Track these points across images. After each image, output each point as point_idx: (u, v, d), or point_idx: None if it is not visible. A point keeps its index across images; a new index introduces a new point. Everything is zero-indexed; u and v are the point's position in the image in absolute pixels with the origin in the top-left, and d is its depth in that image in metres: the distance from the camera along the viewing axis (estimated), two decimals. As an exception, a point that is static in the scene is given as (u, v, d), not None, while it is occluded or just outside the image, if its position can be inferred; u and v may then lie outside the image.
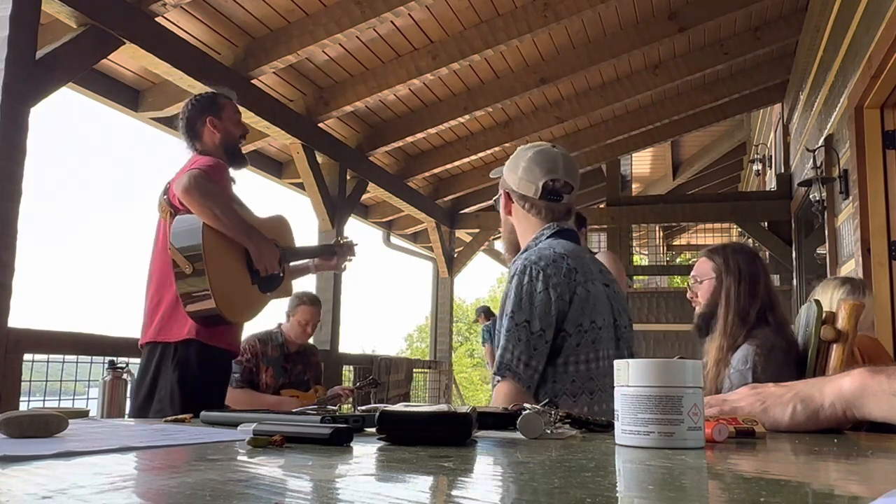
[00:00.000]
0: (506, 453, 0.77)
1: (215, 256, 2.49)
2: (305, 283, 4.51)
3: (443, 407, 0.87)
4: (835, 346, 1.95)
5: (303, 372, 4.10)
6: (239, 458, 0.70)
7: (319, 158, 5.37)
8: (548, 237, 1.79)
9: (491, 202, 2.15)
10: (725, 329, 2.14)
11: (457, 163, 6.71)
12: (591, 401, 1.67)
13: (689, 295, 2.34)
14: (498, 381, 1.67)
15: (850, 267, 4.17)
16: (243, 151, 2.81)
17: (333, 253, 3.10)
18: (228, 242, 2.54)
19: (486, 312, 9.99)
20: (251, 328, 3.44)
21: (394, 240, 8.34)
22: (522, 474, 0.61)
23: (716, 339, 2.16)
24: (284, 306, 4.13)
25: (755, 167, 9.52)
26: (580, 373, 1.67)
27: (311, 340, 4.36)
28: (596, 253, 3.67)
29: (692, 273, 2.33)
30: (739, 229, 8.46)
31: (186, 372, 2.51)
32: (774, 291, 2.24)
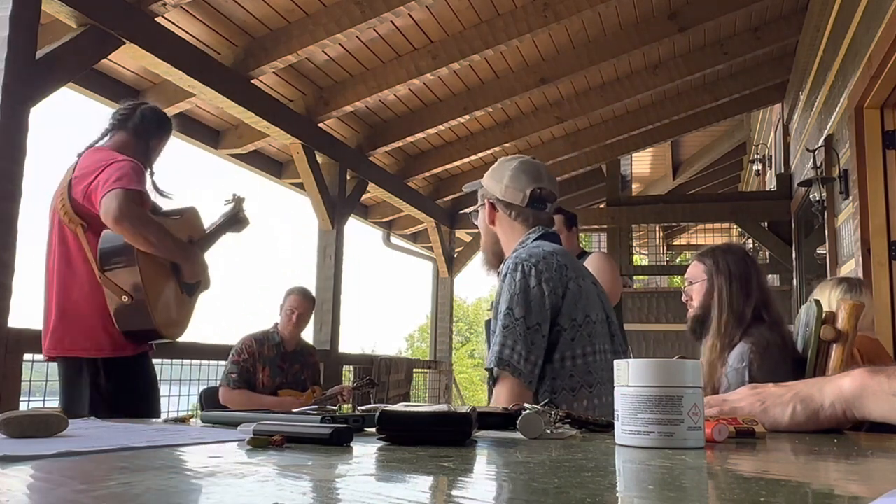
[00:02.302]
0: (506, 453, 0.77)
1: (153, 284, 2.41)
2: (306, 282, 4.53)
3: (443, 407, 0.87)
4: (835, 346, 1.95)
5: (300, 372, 4.09)
6: (239, 458, 0.70)
7: (319, 158, 5.37)
8: (534, 240, 1.83)
9: None
10: (719, 330, 2.14)
11: (457, 163, 6.72)
12: (591, 394, 1.68)
13: (683, 298, 2.36)
14: (494, 373, 1.67)
15: (850, 267, 4.17)
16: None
17: (239, 221, 2.92)
18: (159, 262, 2.45)
19: None
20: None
21: (394, 240, 8.34)
22: (522, 474, 0.61)
23: (709, 339, 2.16)
24: (279, 300, 4.13)
25: (755, 167, 9.51)
26: (578, 367, 1.68)
27: (311, 341, 4.35)
28: (591, 253, 3.65)
29: (685, 277, 2.35)
30: (739, 229, 8.46)
31: (117, 389, 2.40)
32: (768, 288, 2.25)
